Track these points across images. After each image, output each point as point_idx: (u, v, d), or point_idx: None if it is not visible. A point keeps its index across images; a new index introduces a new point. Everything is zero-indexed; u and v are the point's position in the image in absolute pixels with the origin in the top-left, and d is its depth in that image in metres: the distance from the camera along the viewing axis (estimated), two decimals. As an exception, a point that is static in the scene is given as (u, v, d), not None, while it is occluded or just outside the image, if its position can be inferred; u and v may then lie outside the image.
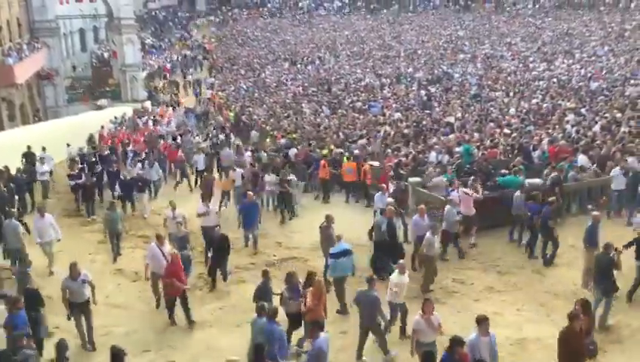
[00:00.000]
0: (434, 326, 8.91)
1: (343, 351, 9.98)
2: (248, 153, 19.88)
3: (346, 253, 11.33)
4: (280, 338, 8.76)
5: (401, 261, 10.72)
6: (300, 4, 75.62)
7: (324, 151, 19.15)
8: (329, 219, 12.66)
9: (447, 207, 13.35)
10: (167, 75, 43.10)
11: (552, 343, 9.96)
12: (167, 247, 11.63)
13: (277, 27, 60.69)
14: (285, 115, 26.87)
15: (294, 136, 21.93)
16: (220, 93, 35.45)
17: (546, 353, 9.78)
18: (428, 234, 11.88)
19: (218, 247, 12.46)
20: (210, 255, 12.89)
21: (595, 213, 12.03)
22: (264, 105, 30.06)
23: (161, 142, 23.20)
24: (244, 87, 36.07)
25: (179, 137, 23.40)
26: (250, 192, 14.89)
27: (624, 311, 10.81)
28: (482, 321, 8.32)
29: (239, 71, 41.53)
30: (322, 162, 17.90)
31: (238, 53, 47.83)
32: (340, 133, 21.86)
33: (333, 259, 11.28)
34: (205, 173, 18.54)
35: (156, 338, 10.73)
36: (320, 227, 12.76)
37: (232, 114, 28.36)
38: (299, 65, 41.20)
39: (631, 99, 22.61)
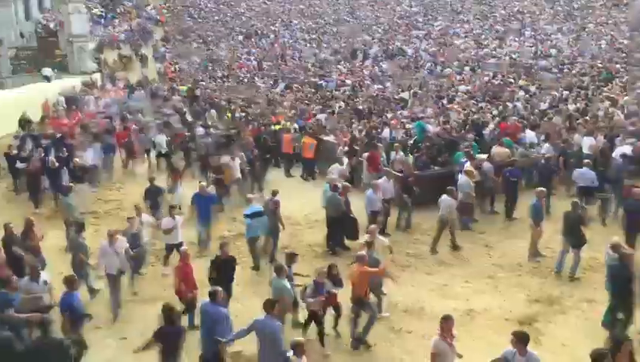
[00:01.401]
0: (455, 350, 7.60)
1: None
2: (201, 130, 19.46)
3: (258, 214, 12.18)
4: (225, 320, 8.43)
5: (372, 226, 11.31)
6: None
7: (278, 127, 19.10)
8: (274, 194, 13.05)
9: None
10: (119, 46, 41.86)
11: (498, 313, 10.38)
12: (122, 244, 10.79)
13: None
14: (240, 89, 26.61)
15: (249, 111, 21.74)
16: (173, 66, 34.70)
17: (493, 323, 10.14)
18: (445, 197, 12.57)
19: (223, 270, 10.08)
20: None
21: (539, 189, 12.47)
22: (218, 80, 29.63)
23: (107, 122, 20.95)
24: (198, 60, 35.44)
25: (128, 116, 21.59)
26: (203, 183, 14.00)
27: (567, 283, 11.28)
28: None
29: (192, 44, 40.74)
30: (286, 137, 17.99)
31: (191, 26, 46.82)
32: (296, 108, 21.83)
33: (248, 219, 12.14)
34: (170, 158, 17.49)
35: (109, 315, 10.59)
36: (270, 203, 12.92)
37: (184, 88, 27.78)
38: (253, 40, 40.69)
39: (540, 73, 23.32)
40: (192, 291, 9.87)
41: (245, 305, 10.19)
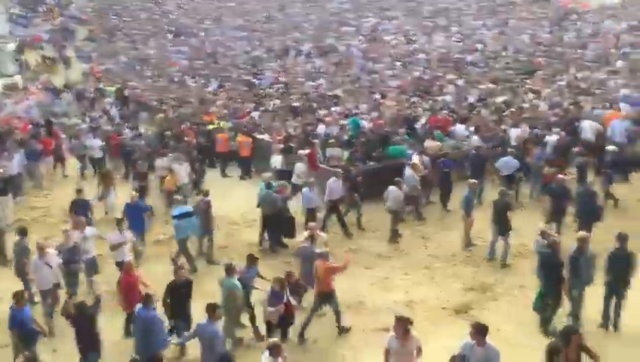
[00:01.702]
0: (410, 351, 7.52)
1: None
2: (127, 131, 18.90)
3: (187, 214, 12.11)
4: (159, 324, 8.45)
5: (312, 223, 11.43)
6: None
7: (212, 127, 18.83)
8: (206, 194, 13.01)
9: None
10: (41, 47, 40.08)
11: (435, 304, 10.63)
12: (53, 258, 10.22)
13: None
14: (171, 89, 26.02)
15: (181, 111, 21.29)
16: (99, 66, 33.54)
17: (430, 313, 10.39)
18: (393, 188, 12.92)
19: (178, 294, 9.35)
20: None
21: (471, 180, 12.87)
22: (148, 80, 28.88)
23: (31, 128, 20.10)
24: (125, 60, 34.42)
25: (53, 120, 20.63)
26: (134, 192, 13.45)
27: (498, 270, 11.67)
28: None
29: (118, 43, 39.51)
30: (222, 136, 17.75)
31: (117, 25, 45.42)
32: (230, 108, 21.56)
33: (176, 220, 12.02)
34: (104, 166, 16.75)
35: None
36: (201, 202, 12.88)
37: (112, 89, 26.88)
38: (183, 38, 39.88)
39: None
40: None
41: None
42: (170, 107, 21.91)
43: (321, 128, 17.79)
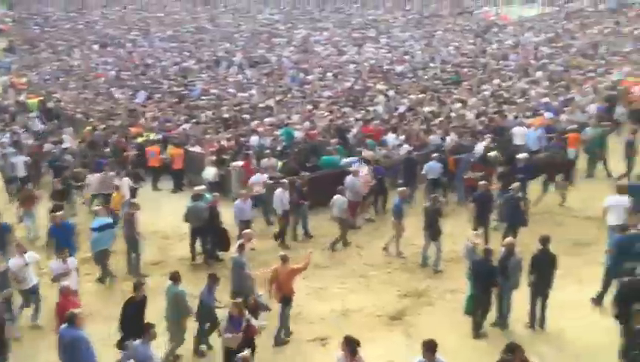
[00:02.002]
0: None
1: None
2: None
3: (106, 226, 11.97)
4: (85, 343, 8.21)
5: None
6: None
7: (141, 139, 18.36)
8: (134, 206, 12.71)
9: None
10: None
11: (371, 311, 10.74)
12: None
13: (82, 7, 56.64)
14: (97, 101, 25.18)
15: (109, 123, 20.62)
16: (21, 78, 32.08)
17: (367, 321, 10.49)
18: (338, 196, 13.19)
19: (137, 312, 9.12)
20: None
21: (400, 188, 13.11)
22: (73, 92, 27.85)
23: None
24: (49, 70, 33.10)
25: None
26: (58, 212, 12.48)
27: (432, 275, 11.93)
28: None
29: (41, 54, 37.97)
30: (154, 149, 17.33)
31: (39, 35, 43.70)
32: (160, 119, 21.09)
33: (95, 232, 11.83)
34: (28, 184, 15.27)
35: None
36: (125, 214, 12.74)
37: (34, 101, 25.69)
38: (110, 48, 38.79)
39: None
40: None
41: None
42: (97, 120, 21.22)
43: (254, 139, 17.69)
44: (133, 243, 12.32)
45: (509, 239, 10.39)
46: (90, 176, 15.17)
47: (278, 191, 13.46)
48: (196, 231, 12.86)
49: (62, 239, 11.63)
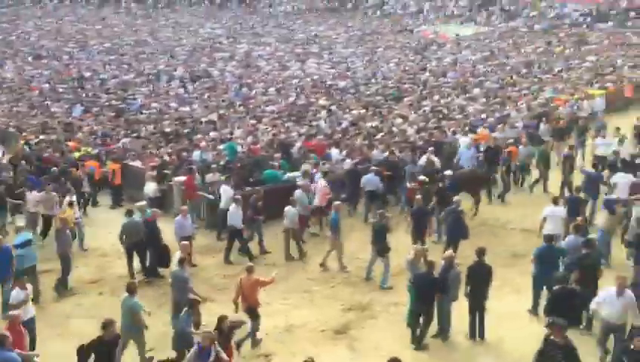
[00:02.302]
0: None
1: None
2: None
3: (29, 243, 11.52)
4: None
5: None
6: (42, -6, 69.35)
7: (77, 154, 17.77)
8: (63, 221, 12.40)
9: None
10: None
11: (315, 326, 10.71)
12: None
13: (14, 17, 54.87)
14: (32, 114, 24.25)
15: (42, 138, 19.87)
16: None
17: (311, 335, 10.45)
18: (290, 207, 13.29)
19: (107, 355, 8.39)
20: None
21: (336, 203, 13.15)
22: (5, 105, 26.76)
23: None
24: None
25: None
26: None
27: (375, 289, 12.01)
28: None
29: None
30: (93, 164, 16.80)
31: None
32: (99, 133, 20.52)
33: (19, 249, 11.29)
34: None
35: None
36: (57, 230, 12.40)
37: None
38: (45, 61, 37.54)
39: None
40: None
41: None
42: (31, 134, 20.41)
43: (196, 154, 17.45)
44: (64, 257, 11.90)
45: (448, 252, 10.63)
46: (29, 194, 14.24)
47: (232, 206, 13.27)
48: (132, 247, 12.53)
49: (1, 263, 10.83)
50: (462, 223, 12.64)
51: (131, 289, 9.45)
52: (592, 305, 9.25)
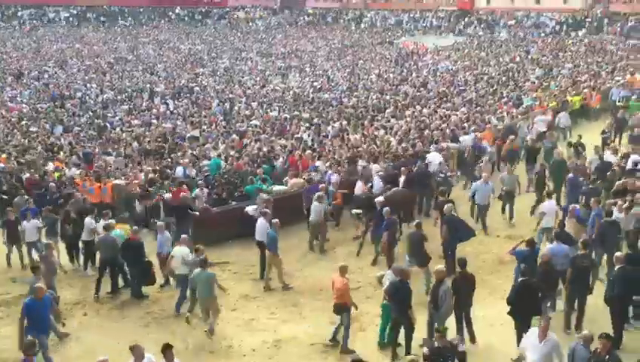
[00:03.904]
0: None
1: None
2: None
3: None
4: None
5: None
6: (20, 14, 68.92)
7: (57, 174, 17.54)
8: (49, 247, 12.21)
9: None
10: None
11: (304, 339, 10.65)
12: None
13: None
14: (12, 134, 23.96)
15: (27, 158, 19.62)
16: None
17: (300, 350, 10.38)
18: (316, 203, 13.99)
19: None
20: None
21: (274, 220, 12.88)
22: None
23: None
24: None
25: None
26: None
27: (365, 301, 11.94)
28: None
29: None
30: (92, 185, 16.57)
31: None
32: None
33: None
34: None
35: None
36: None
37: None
38: (25, 81, 37.24)
39: None
40: None
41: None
42: (9, 154, 20.12)
43: (179, 170, 17.35)
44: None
45: (439, 267, 10.34)
46: (25, 223, 13.59)
47: (260, 220, 13.12)
48: (104, 262, 12.35)
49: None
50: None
51: (203, 264, 10.71)
52: (519, 347, 9.06)
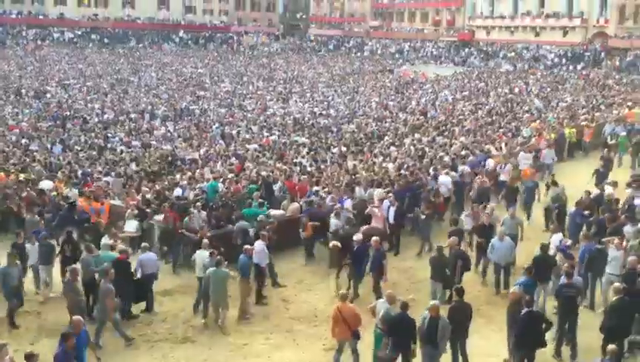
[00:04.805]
0: None
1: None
2: None
3: None
4: None
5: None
6: (25, 34, 69.66)
7: (54, 193, 17.51)
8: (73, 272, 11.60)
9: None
10: None
11: (298, 367, 10.50)
12: None
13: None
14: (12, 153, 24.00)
15: (23, 176, 19.63)
16: None
17: (294, 377, 10.23)
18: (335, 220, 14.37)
19: None
20: None
21: (247, 246, 12.77)
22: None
23: None
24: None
25: None
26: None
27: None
28: None
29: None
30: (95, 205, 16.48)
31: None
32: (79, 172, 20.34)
33: None
34: None
35: None
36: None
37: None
38: (26, 99, 37.46)
39: None
40: None
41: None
42: (11, 173, 20.11)
43: (177, 192, 17.35)
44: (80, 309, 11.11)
45: (434, 302, 10.07)
46: (29, 246, 13.19)
47: (258, 243, 13.04)
48: (84, 284, 11.95)
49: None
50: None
51: (218, 263, 11.46)
52: None
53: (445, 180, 17.40)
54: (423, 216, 15.50)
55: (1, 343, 8.43)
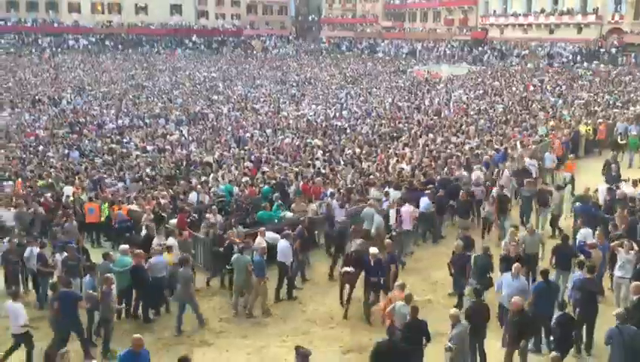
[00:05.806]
0: None
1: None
2: None
3: None
4: None
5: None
6: (40, 42, 70.47)
7: (70, 200, 17.69)
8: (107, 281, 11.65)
9: None
10: None
11: (315, 369, 10.47)
12: None
13: (13, 65, 55.61)
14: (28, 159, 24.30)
15: (42, 182, 19.88)
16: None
17: (311, 379, 10.20)
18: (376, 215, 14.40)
19: None
20: None
21: (262, 245, 12.80)
22: (1, 151, 26.87)
23: None
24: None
25: None
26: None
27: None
28: None
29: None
30: (92, 206, 16.73)
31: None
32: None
33: None
34: None
35: None
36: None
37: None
38: (42, 106, 37.90)
39: None
40: None
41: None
42: (29, 179, 20.42)
43: (192, 196, 17.43)
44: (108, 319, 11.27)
45: (454, 310, 9.90)
46: (58, 256, 12.92)
47: (282, 242, 13.15)
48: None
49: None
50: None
51: (241, 251, 12.25)
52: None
53: (479, 175, 17.67)
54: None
55: (63, 350, 8.63)
